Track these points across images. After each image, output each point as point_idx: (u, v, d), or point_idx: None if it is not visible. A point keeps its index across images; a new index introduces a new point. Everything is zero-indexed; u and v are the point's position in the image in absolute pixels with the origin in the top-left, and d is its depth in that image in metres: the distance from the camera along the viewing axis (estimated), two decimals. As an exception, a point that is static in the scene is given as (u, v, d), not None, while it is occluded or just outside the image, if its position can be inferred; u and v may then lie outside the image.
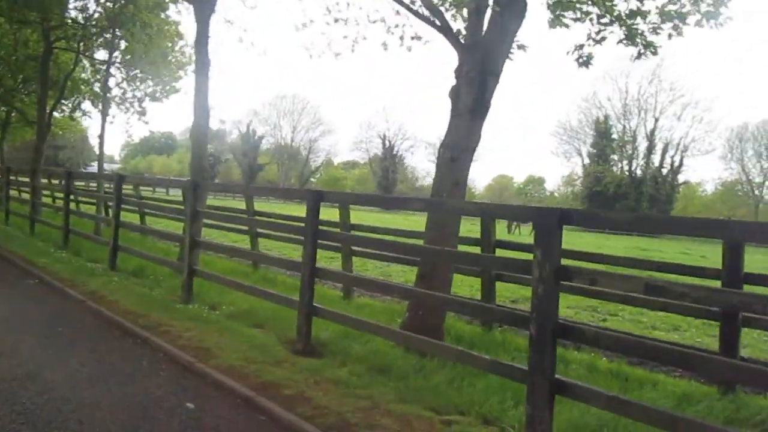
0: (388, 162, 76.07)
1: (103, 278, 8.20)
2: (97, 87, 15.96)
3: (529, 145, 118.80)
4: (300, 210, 7.04)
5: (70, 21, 14.60)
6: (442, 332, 5.82)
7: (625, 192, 59.17)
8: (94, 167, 74.33)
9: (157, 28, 13.43)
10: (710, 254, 23.51)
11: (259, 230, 9.94)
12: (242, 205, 11.16)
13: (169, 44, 14.62)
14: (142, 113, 14.52)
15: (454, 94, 5.96)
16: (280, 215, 10.71)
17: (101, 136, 12.55)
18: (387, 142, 77.54)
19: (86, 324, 6.20)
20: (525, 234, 32.55)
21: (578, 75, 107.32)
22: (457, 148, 5.92)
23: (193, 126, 8.45)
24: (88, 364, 4.83)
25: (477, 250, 7.45)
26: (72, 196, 12.18)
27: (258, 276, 9.31)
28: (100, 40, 14.53)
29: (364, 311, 6.86)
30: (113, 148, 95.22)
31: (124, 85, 14.86)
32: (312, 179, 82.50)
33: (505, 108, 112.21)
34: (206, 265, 8.63)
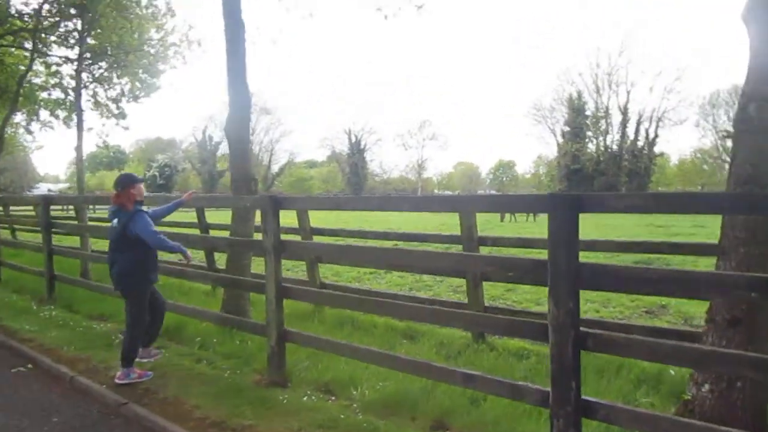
0: (357, 157, 75.37)
1: None
2: (58, 92, 13.63)
3: (500, 132, 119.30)
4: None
5: (14, 13, 12.41)
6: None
7: (604, 169, 59.71)
8: (41, 189, 71.82)
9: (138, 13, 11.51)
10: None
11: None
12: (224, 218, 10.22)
13: (156, 29, 12.54)
14: (121, 116, 12.57)
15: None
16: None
17: (78, 148, 10.44)
18: (353, 137, 76.80)
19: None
20: (521, 221, 32.38)
21: (551, 54, 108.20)
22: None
23: (229, 119, 6.69)
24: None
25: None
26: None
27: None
28: (57, 33, 12.47)
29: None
30: (57, 167, 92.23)
31: (94, 86, 12.56)
32: (276, 182, 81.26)
33: (474, 95, 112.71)
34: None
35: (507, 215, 34.14)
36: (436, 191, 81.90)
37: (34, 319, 7.30)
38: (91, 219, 11.01)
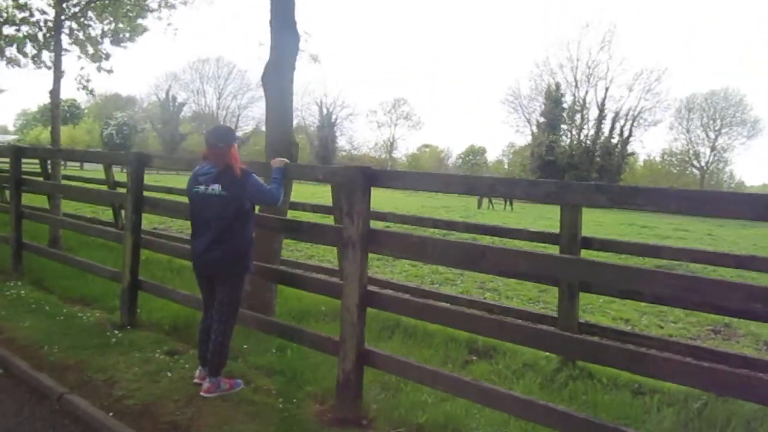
0: (327, 131, 73.44)
1: (134, 353, 4.46)
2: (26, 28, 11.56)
3: (473, 116, 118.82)
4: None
5: None
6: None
7: (577, 162, 59.76)
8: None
9: None
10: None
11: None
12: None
13: None
14: (104, 57, 10.35)
15: None
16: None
17: (54, 92, 8.66)
18: (325, 110, 74.75)
19: None
20: (499, 210, 31.61)
21: (528, 44, 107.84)
22: None
23: (269, 66, 5.32)
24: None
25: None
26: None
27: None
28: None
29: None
30: (6, 118, 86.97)
31: (69, 23, 10.49)
32: (242, 150, 78.52)
33: (451, 77, 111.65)
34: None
35: (485, 201, 33.41)
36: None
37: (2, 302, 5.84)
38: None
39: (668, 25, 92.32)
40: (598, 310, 7.86)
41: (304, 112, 77.31)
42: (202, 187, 3.72)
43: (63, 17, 8.60)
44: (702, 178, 62.57)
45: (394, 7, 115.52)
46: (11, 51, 12.80)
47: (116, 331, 4.89)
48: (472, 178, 2.89)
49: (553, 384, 4.49)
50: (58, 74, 8.43)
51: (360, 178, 3.49)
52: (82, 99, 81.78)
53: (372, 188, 3.53)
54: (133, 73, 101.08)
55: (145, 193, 5.22)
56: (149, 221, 14.12)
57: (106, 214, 15.22)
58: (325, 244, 4.91)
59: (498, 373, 4.66)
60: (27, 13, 11.35)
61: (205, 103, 78.54)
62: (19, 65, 12.55)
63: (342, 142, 78.31)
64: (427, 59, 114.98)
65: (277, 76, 5.32)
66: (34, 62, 12.07)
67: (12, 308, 5.47)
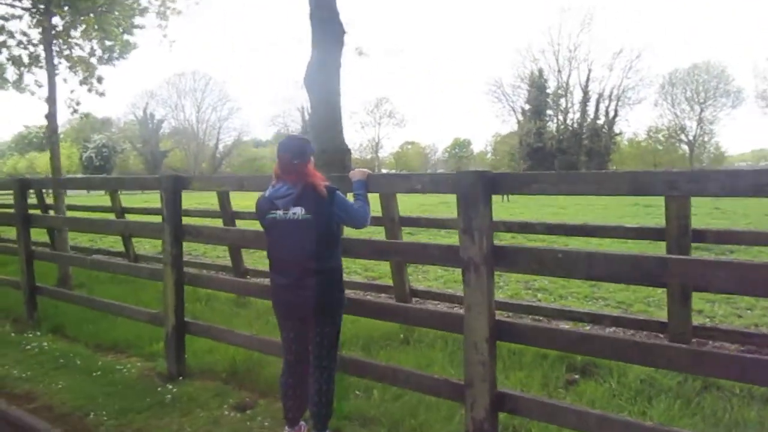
0: (310, 135, 72.60)
1: (197, 411, 3.79)
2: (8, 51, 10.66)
3: (456, 109, 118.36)
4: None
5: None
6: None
7: (566, 147, 59.62)
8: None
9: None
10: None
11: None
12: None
13: None
14: (97, 80, 9.49)
15: None
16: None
17: (50, 116, 7.79)
18: (307, 115, 73.82)
19: None
20: (496, 200, 31.06)
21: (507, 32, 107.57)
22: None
23: (312, 65, 4.67)
24: None
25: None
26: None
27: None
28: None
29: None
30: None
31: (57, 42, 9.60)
32: (224, 163, 77.49)
33: (430, 71, 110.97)
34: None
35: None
36: (393, 171, 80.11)
37: (17, 354, 5.12)
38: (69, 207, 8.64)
39: (645, 1, 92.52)
40: (657, 303, 7.31)
41: (286, 118, 76.58)
42: (280, 212, 3.07)
43: (54, 32, 7.81)
44: (691, 153, 62.66)
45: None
46: (-9, 76, 12.03)
47: (168, 385, 4.21)
48: (641, 175, 2.25)
49: (690, 404, 3.89)
50: (53, 96, 7.68)
51: (480, 186, 2.86)
52: (60, 122, 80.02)
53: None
54: (98, 96, 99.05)
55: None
56: (153, 245, 13.37)
57: (103, 241, 14.45)
58: (431, 264, 4.19)
59: (619, 395, 4.05)
60: (5, 37, 10.56)
61: (184, 117, 77.44)
62: (2, 88, 11.76)
63: (326, 145, 77.46)
64: (406, 56, 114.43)
65: (322, 75, 4.68)
66: (15, 87, 11.27)
67: (38, 366, 4.76)
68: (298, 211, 3.03)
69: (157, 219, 4.65)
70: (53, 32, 7.78)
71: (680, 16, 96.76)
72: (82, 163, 71.50)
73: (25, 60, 9.88)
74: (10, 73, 11.04)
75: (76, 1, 8.38)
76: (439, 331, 5.16)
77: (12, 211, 6.31)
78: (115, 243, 13.70)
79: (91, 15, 9.35)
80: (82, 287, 7.52)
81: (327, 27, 4.63)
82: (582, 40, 61.63)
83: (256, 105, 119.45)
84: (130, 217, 8.97)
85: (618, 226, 4.83)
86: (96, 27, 9.10)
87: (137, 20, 9.99)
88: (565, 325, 5.13)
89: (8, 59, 10.65)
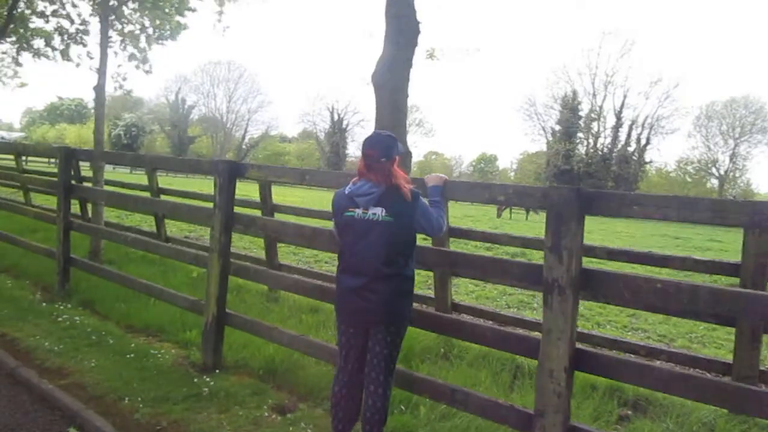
0: (338, 137, 72.63)
1: (235, 408, 3.62)
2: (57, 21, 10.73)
3: (485, 123, 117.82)
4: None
5: None
6: None
7: (594, 171, 58.95)
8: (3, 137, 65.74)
9: None
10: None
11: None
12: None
13: None
14: (143, 60, 9.56)
15: None
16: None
17: (98, 88, 7.70)
18: (336, 115, 73.98)
19: None
20: (518, 219, 30.70)
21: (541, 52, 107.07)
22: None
23: (382, 61, 4.54)
24: None
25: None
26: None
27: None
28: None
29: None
30: (12, 115, 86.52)
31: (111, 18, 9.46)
32: (250, 155, 77.80)
33: (463, 83, 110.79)
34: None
35: (506, 211, 32.55)
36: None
37: (49, 325, 5.00)
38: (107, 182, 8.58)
39: (687, 31, 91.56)
40: (699, 340, 7.02)
41: (315, 117, 76.70)
42: (359, 211, 2.89)
43: (110, 4, 7.75)
44: (720, 187, 61.54)
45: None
46: (39, 43, 12.09)
47: (205, 377, 4.05)
48: (760, 205, 2.08)
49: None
50: (104, 68, 7.61)
51: (575, 202, 2.66)
52: (89, 98, 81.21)
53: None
54: (141, 74, 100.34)
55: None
56: (179, 228, 13.30)
57: (130, 219, 14.40)
58: (510, 285, 3.90)
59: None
60: (57, 5, 10.58)
61: (215, 106, 78.05)
62: (48, 58, 11.81)
63: (352, 148, 77.47)
64: (440, 66, 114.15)
65: (391, 73, 4.52)
66: (63, 56, 11.30)
67: (70, 341, 4.63)
68: (379, 212, 2.85)
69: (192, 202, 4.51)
70: (109, 4, 7.68)
71: (720, 48, 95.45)
72: (110, 140, 72.29)
73: (72, 30, 9.88)
74: (57, 42, 11.12)
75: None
76: (480, 349, 4.99)
77: (54, 179, 6.21)
78: (141, 221, 13.68)
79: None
80: (111, 264, 7.42)
81: (402, 24, 4.45)
82: (620, 65, 60.83)
83: (286, 100, 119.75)
84: (164, 198, 8.86)
85: (687, 257, 4.58)
86: (150, 4, 9.05)
87: (192, 2, 9.95)
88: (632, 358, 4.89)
89: (56, 29, 10.69)
